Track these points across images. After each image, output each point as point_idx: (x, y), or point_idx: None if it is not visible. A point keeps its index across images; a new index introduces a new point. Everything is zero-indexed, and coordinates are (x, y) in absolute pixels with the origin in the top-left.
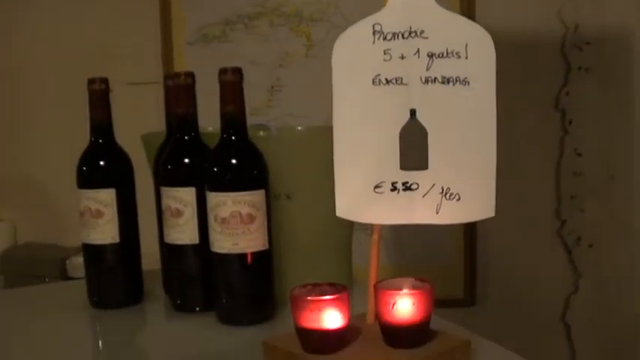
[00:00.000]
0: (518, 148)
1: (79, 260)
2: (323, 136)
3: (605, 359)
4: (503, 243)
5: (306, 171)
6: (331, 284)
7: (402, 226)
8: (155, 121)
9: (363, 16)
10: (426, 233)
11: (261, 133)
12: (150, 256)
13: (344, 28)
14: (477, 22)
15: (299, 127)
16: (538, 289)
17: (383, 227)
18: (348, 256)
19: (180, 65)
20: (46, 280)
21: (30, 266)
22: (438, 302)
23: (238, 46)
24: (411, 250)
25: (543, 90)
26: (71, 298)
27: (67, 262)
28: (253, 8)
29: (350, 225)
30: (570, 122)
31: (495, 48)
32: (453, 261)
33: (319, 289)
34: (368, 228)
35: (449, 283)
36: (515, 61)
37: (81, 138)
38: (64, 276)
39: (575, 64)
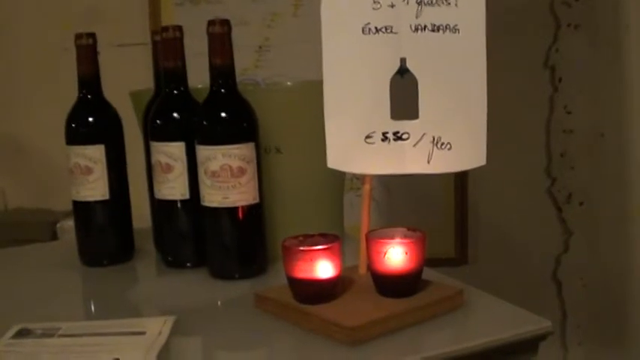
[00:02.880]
0: (508, 106)
1: (69, 224)
2: (312, 91)
3: (596, 316)
4: (494, 201)
5: (297, 125)
6: (323, 235)
7: (392, 182)
8: (143, 83)
9: None
10: (417, 191)
11: (250, 87)
12: (140, 215)
13: None
14: None
15: (288, 82)
16: (529, 248)
17: (373, 187)
18: (339, 210)
19: None
20: (36, 244)
21: (20, 231)
22: (430, 262)
23: (226, 6)
24: (401, 210)
25: (532, 47)
26: (61, 257)
27: (58, 225)
28: None
29: (341, 178)
30: (560, 80)
31: None
32: (443, 220)
33: (311, 239)
34: (358, 189)
35: (440, 243)
36: (503, 19)
37: (68, 101)
38: (55, 240)
39: (565, 20)
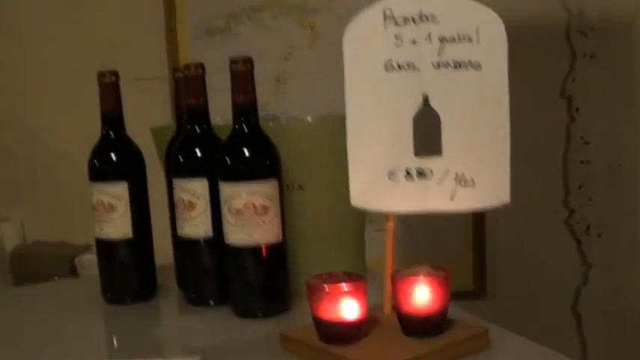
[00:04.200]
0: (524, 136)
1: (87, 258)
2: (333, 126)
3: (617, 349)
4: (512, 234)
5: (318, 161)
6: (347, 273)
7: (410, 216)
8: (161, 116)
9: (366, 5)
10: (435, 224)
11: (271, 124)
12: (160, 250)
13: (348, 19)
14: None
15: (309, 118)
16: (548, 280)
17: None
18: (361, 246)
19: (186, 59)
20: (56, 278)
21: (39, 265)
22: None
23: (243, 39)
24: (419, 242)
25: (549, 77)
26: (83, 294)
27: (76, 259)
28: (257, 1)
29: (363, 215)
30: (577, 110)
31: None
32: (461, 252)
33: (335, 278)
34: (377, 222)
35: (458, 275)
36: (519, 49)
37: (87, 135)
38: (73, 274)
39: (580, 50)
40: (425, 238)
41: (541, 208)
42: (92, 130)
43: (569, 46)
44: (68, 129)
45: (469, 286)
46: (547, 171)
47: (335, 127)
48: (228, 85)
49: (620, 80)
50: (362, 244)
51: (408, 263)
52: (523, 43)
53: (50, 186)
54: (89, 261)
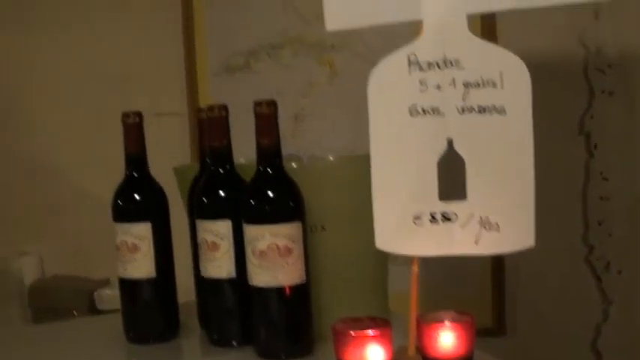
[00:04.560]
0: (543, 173)
1: (106, 292)
2: (355, 165)
3: None
4: (531, 270)
5: (340, 201)
6: (372, 318)
7: None
8: (180, 152)
9: (386, 44)
10: (454, 260)
11: (294, 164)
12: (182, 288)
13: (367, 57)
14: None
15: (331, 157)
16: (568, 317)
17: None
18: (384, 286)
19: (205, 96)
20: (74, 312)
21: (57, 299)
22: None
23: (262, 76)
24: (437, 278)
25: (567, 114)
26: (104, 332)
27: (95, 294)
28: (276, 38)
29: (385, 255)
30: (595, 146)
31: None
32: (480, 289)
33: (361, 323)
34: (396, 258)
35: (477, 312)
36: (537, 86)
37: (106, 170)
38: (92, 308)
39: (599, 87)
40: (444, 275)
41: (560, 244)
42: (111, 165)
43: (588, 82)
44: (87, 164)
45: (488, 323)
46: (566, 207)
47: (357, 166)
48: (246, 120)
49: (638, 116)
50: (384, 284)
51: (427, 300)
52: (541, 79)
53: (69, 220)
54: (108, 296)
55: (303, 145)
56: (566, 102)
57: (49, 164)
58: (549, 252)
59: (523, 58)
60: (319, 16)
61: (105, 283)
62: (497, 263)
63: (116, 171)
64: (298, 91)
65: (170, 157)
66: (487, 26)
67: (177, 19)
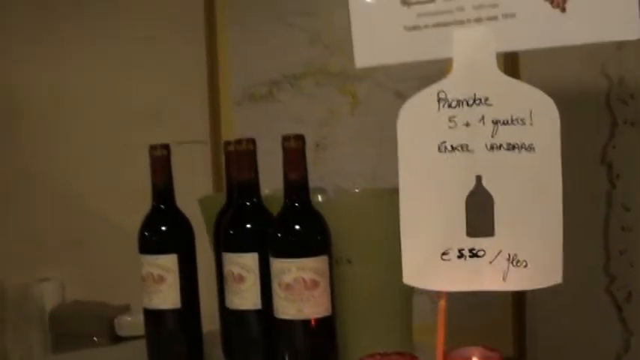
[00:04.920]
0: (565, 203)
1: (127, 319)
2: (381, 198)
3: None
4: (552, 299)
5: (367, 235)
6: (400, 353)
7: None
8: (203, 180)
9: (408, 75)
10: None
11: (320, 197)
12: (206, 317)
13: (389, 87)
14: (522, 79)
15: (356, 190)
16: (588, 347)
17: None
18: (408, 321)
19: (228, 125)
20: (94, 338)
21: (78, 325)
22: None
23: (284, 104)
24: (457, 307)
25: (589, 144)
26: None
27: (115, 320)
28: (299, 68)
29: (411, 290)
30: (617, 176)
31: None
32: (501, 318)
33: (388, 358)
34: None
35: (498, 340)
36: (560, 116)
37: (127, 197)
38: (112, 335)
39: (621, 117)
40: (463, 301)
41: (581, 274)
42: (132, 194)
43: (610, 113)
44: (108, 190)
45: (509, 352)
46: (588, 237)
47: (383, 200)
48: (268, 149)
49: None
50: (409, 318)
51: (447, 330)
52: (563, 109)
53: (90, 247)
54: (128, 323)
55: (324, 173)
56: (588, 132)
57: (72, 192)
58: (570, 281)
59: (546, 88)
60: (342, 47)
61: (125, 309)
62: (518, 292)
63: (137, 200)
64: (320, 120)
65: (192, 185)
66: (510, 57)
67: (201, 48)
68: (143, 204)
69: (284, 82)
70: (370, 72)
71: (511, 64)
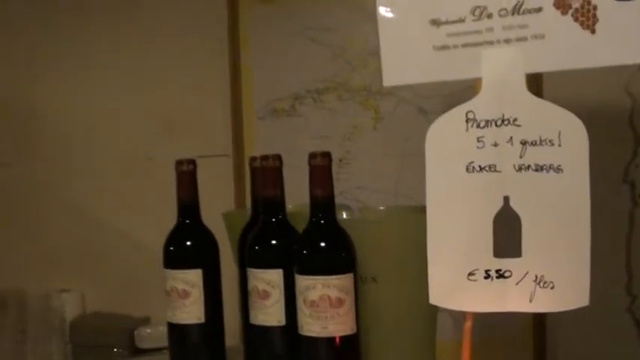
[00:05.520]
0: None
1: (147, 331)
2: (407, 217)
3: None
4: (573, 318)
5: (392, 253)
6: None
7: None
8: (224, 194)
9: (431, 92)
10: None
11: (344, 214)
12: (227, 332)
13: (412, 102)
14: (545, 97)
15: (381, 207)
16: None
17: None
18: (432, 338)
19: (250, 139)
20: (114, 350)
21: (98, 336)
22: None
23: (307, 119)
24: (477, 324)
25: (612, 163)
26: None
27: (135, 332)
28: (322, 83)
29: (435, 308)
30: None
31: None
32: (520, 336)
33: None
34: None
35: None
36: None
37: (149, 209)
38: (132, 347)
39: None
40: (485, 324)
41: (603, 294)
42: (154, 206)
43: (633, 131)
44: (130, 203)
45: None
46: (609, 257)
47: (408, 218)
48: (290, 163)
49: None
50: (433, 336)
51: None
52: (586, 129)
53: (109, 259)
54: (148, 335)
55: (345, 188)
56: (610, 151)
57: (92, 205)
58: (591, 301)
59: (569, 106)
60: (365, 62)
61: (145, 321)
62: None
63: (158, 213)
64: (343, 134)
65: (213, 200)
66: (534, 75)
67: (224, 62)
68: (163, 217)
69: (307, 96)
70: (394, 88)
71: (535, 82)
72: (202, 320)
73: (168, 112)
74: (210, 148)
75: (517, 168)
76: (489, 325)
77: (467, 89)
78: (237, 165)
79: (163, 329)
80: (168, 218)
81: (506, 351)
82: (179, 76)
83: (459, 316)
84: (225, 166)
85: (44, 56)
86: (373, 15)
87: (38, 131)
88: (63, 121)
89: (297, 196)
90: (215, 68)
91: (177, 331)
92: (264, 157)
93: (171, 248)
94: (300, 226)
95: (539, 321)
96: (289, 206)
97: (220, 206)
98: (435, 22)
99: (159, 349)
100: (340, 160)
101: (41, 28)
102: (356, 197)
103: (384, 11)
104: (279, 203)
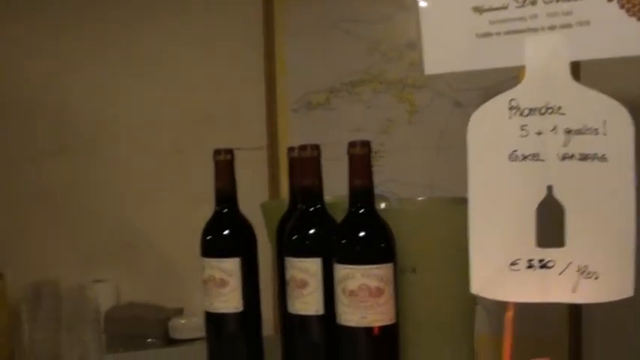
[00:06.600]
0: None
1: (180, 322)
2: (447, 208)
3: None
4: (608, 311)
5: (431, 244)
6: None
7: None
8: (260, 186)
9: (468, 84)
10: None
11: (382, 204)
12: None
13: (447, 95)
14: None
15: (420, 198)
16: None
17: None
18: (470, 330)
19: (284, 132)
20: (148, 340)
21: (132, 326)
22: None
23: (341, 112)
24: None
25: None
26: None
27: (169, 323)
28: (357, 75)
29: (474, 298)
30: None
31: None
32: (556, 332)
33: None
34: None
35: (553, 356)
36: None
37: (180, 200)
38: (166, 337)
39: None
40: (519, 317)
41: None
42: (187, 197)
43: None
44: (162, 195)
45: None
46: None
47: (448, 208)
48: (325, 156)
49: None
50: (472, 328)
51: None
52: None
53: (143, 249)
54: (182, 325)
55: (380, 182)
56: None
57: (127, 197)
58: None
59: (611, 94)
60: (400, 54)
61: (178, 312)
62: (575, 305)
63: (191, 204)
64: (377, 127)
65: (247, 192)
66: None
67: (259, 54)
68: (197, 208)
69: (341, 89)
70: (428, 80)
71: (573, 70)
72: (240, 309)
73: (203, 105)
74: (243, 141)
75: (561, 157)
76: (526, 317)
77: (503, 82)
78: (271, 157)
79: (197, 320)
80: (201, 210)
81: (541, 345)
82: (214, 69)
83: (493, 309)
84: (258, 159)
85: (78, 47)
86: (408, 7)
87: (71, 126)
88: (97, 115)
89: (331, 189)
90: (250, 61)
91: (214, 320)
92: (303, 147)
93: (209, 237)
94: (337, 217)
95: (575, 314)
96: (326, 197)
97: (254, 198)
98: (478, 10)
99: (192, 340)
100: (375, 153)
101: (76, 21)
102: (390, 190)
103: None
104: (317, 193)
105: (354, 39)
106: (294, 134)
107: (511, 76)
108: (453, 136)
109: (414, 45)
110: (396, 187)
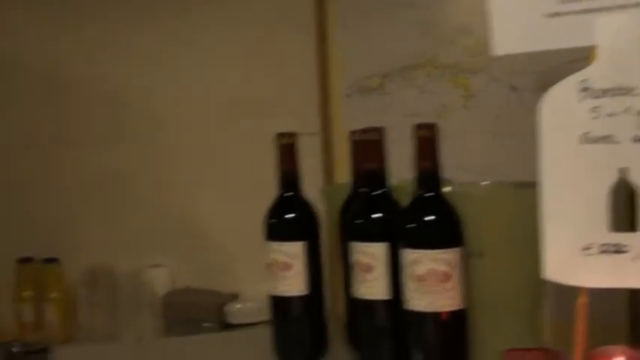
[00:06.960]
0: None
1: (236, 307)
2: (510, 192)
3: None
4: None
5: (498, 228)
6: (543, 349)
7: None
8: (313, 171)
9: (524, 68)
10: None
11: (450, 188)
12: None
13: (503, 80)
14: None
15: (483, 183)
16: None
17: None
18: (539, 317)
19: (337, 117)
20: (204, 324)
21: (189, 311)
22: None
23: (395, 97)
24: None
25: None
26: (253, 348)
27: (225, 308)
28: (411, 60)
29: (542, 283)
30: None
31: None
32: (614, 319)
33: (530, 354)
34: None
35: (610, 341)
36: None
37: (230, 185)
38: (222, 321)
39: None
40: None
41: None
42: (241, 183)
43: None
44: (214, 179)
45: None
46: None
47: (516, 193)
48: None
49: None
50: (539, 313)
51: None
52: None
53: (199, 234)
54: (238, 310)
55: None
56: None
57: (183, 183)
58: None
59: None
60: (454, 39)
61: (234, 297)
62: (634, 292)
63: (246, 190)
64: (432, 112)
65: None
66: None
67: (312, 39)
68: (252, 194)
69: (395, 74)
70: (483, 65)
71: None
72: (304, 292)
73: (255, 90)
74: (297, 126)
75: (634, 139)
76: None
77: (560, 66)
78: (325, 142)
79: (252, 305)
80: (257, 195)
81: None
82: (266, 54)
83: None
84: (312, 145)
85: (127, 33)
86: None
87: (128, 112)
88: (151, 102)
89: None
90: (302, 46)
91: (278, 303)
92: (365, 130)
93: (273, 220)
94: (402, 200)
95: (634, 303)
96: (392, 181)
97: (308, 184)
98: None
99: (248, 325)
100: None
101: (151, 14)
102: (446, 175)
103: None
104: (382, 176)
105: (408, 23)
106: (347, 120)
107: (567, 60)
108: (509, 120)
109: (469, 29)
110: (451, 172)
